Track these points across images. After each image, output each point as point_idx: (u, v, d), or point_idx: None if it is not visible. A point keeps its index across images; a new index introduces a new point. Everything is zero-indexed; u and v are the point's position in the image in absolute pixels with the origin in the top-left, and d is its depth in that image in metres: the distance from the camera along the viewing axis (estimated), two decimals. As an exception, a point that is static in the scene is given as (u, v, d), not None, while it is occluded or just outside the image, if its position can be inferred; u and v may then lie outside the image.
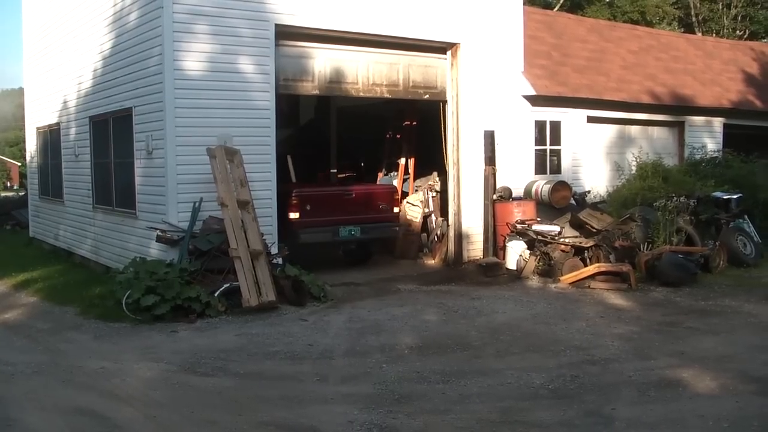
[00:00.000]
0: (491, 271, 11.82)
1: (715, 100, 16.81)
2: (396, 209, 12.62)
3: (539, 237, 11.56)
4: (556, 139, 14.19)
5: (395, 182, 14.51)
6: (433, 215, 13.71)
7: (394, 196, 12.67)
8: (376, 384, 6.37)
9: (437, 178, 13.82)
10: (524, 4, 14.03)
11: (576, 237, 11.66)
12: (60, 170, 14.53)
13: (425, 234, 13.74)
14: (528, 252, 11.65)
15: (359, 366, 6.96)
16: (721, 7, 34.42)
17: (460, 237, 12.74)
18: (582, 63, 15.32)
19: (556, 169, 14.20)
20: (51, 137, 15.20)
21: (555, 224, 11.91)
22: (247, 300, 9.06)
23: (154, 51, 10.22)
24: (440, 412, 5.72)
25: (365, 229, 11.99)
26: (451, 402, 5.93)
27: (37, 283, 11.56)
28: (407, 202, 13.72)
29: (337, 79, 11.72)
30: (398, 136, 14.87)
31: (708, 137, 16.54)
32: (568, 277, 10.87)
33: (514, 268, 11.70)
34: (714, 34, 32.79)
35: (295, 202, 11.34)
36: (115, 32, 11.54)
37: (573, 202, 13.25)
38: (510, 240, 11.97)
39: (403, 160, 14.65)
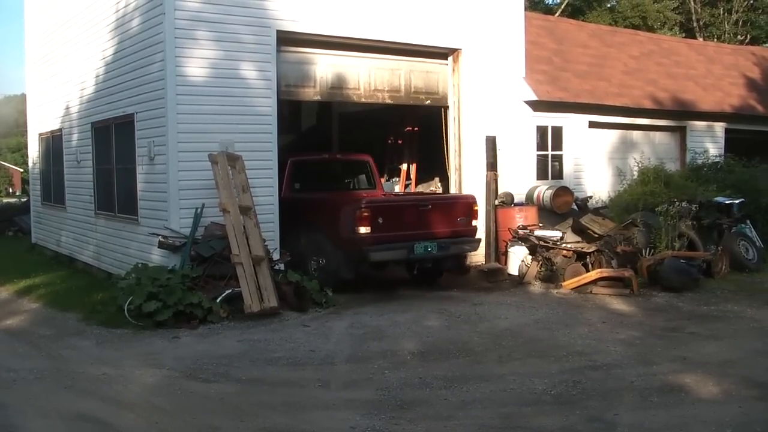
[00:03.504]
0: (493, 276, 11.81)
1: (717, 105, 16.81)
2: (475, 222, 11.17)
3: (541, 242, 11.55)
4: (557, 144, 14.19)
5: (397, 188, 14.51)
6: (434, 221, 13.68)
7: (473, 208, 11.14)
8: (378, 390, 6.37)
9: (439, 184, 13.83)
10: (525, 9, 14.06)
11: (578, 242, 11.65)
12: (62, 176, 14.55)
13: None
14: (530, 257, 11.64)
15: (361, 372, 6.95)
16: (722, 12, 34.47)
17: (461, 242, 12.72)
18: (583, 68, 15.33)
19: (558, 174, 14.20)
20: (53, 143, 15.23)
21: (557, 229, 11.90)
22: (249, 306, 9.05)
23: (156, 57, 10.25)
24: (442, 418, 5.71)
25: (442, 245, 10.57)
26: (453, 408, 5.92)
27: (39, 289, 11.56)
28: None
29: (338, 84, 11.73)
30: (400, 141, 14.89)
31: (710, 142, 16.53)
32: (570, 283, 10.86)
33: (516, 273, 11.69)
34: (715, 39, 32.81)
35: (366, 214, 9.96)
36: (117, 38, 11.57)
37: (575, 207, 13.25)
38: (512, 245, 11.96)
39: (404, 166, 14.67)
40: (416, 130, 14.60)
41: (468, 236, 11.04)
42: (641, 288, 10.65)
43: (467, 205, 11.13)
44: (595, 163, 14.87)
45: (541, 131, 13.95)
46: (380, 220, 10.05)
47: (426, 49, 12.35)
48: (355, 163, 12.93)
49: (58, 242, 15.02)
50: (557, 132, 14.15)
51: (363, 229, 9.96)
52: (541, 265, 11.44)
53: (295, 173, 11.68)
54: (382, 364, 7.16)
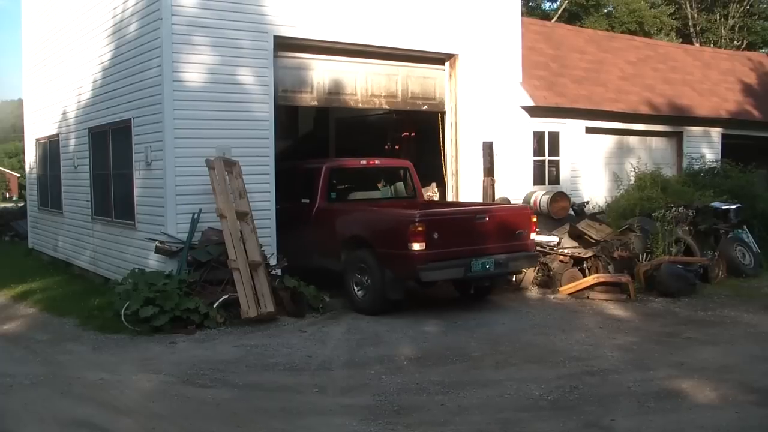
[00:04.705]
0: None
1: (713, 111, 16.85)
2: (533, 235, 10.37)
3: (538, 248, 11.55)
4: (554, 149, 14.22)
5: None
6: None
7: (531, 219, 10.29)
8: (376, 395, 6.37)
9: (436, 189, 13.82)
10: (522, 15, 14.09)
11: (575, 248, 11.66)
12: (59, 181, 14.53)
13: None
14: (527, 262, 11.63)
15: (358, 377, 6.95)
16: (718, 17, 34.59)
17: (459, 247, 12.70)
18: (580, 74, 15.36)
19: (555, 179, 14.22)
20: (50, 148, 15.22)
21: (554, 235, 11.91)
22: (246, 311, 9.05)
23: (153, 62, 10.25)
24: (439, 423, 5.71)
25: (500, 262, 9.68)
26: (450, 413, 5.92)
27: (35, 294, 11.54)
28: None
29: (336, 90, 11.75)
30: (397, 146, 14.90)
31: (706, 147, 16.59)
32: (567, 288, 10.87)
33: (513, 278, 11.68)
34: (712, 45, 32.92)
35: (420, 229, 8.96)
36: (114, 43, 11.57)
37: (572, 212, 13.26)
38: (509, 250, 11.95)
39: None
40: (413, 135, 14.61)
41: (526, 251, 10.20)
42: (638, 293, 10.64)
43: (525, 217, 10.28)
44: (592, 168, 14.90)
45: (538, 136, 13.97)
46: (435, 236, 9.07)
47: (423, 54, 12.37)
48: (395, 170, 12.22)
49: (54, 247, 15.00)
50: (554, 137, 14.18)
51: (417, 246, 8.97)
52: (538, 270, 11.43)
53: (332, 181, 10.94)
54: (379, 369, 7.16)
